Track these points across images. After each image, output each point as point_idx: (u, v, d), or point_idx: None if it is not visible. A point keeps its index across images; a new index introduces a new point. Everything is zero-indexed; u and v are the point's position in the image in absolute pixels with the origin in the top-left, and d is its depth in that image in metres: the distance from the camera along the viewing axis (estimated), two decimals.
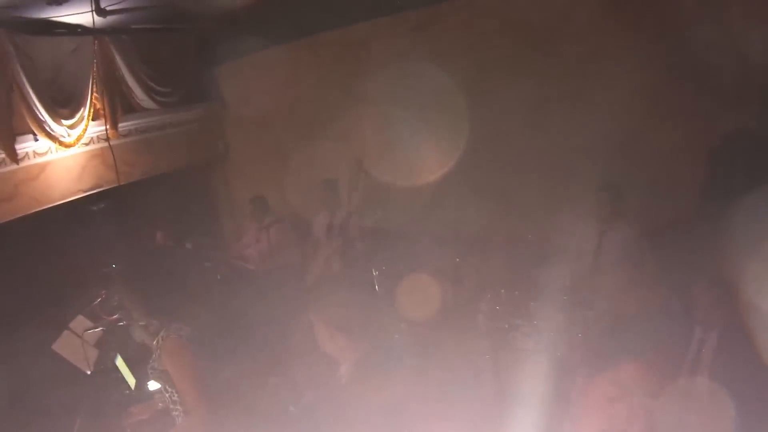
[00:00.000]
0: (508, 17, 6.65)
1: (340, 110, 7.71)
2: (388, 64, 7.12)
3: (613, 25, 5.92)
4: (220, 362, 4.26)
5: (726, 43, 5.15)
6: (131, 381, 4.44)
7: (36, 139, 6.46)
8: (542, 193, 6.46)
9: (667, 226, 5.55)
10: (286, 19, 7.50)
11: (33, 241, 6.48)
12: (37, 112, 6.27)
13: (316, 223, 7.08)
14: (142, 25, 7.42)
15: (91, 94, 7.00)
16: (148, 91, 7.78)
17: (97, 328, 4.82)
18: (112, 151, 7.39)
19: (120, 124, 7.47)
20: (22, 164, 6.41)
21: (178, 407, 3.65)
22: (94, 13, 6.17)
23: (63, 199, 6.92)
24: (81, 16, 6.29)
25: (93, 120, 7.05)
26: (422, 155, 7.15)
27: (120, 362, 4.54)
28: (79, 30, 6.75)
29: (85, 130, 6.93)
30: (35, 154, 6.55)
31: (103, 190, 7.41)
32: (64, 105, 6.65)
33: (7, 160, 6.23)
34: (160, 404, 3.81)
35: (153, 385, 3.79)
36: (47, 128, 6.40)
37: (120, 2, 6.07)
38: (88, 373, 4.77)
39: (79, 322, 4.91)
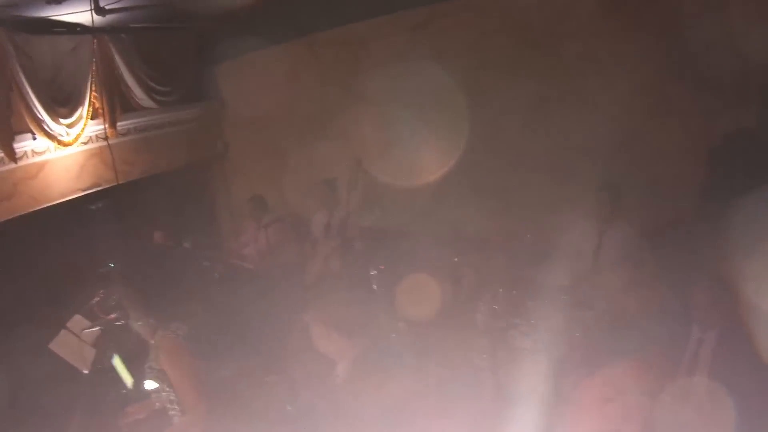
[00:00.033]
0: (508, 16, 6.63)
1: (339, 109, 7.71)
2: (388, 64, 7.12)
3: (612, 24, 5.91)
4: (217, 361, 4.26)
5: (726, 43, 5.15)
6: (128, 380, 4.43)
7: (34, 138, 6.46)
8: (541, 192, 6.45)
9: (667, 225, 5.54)
10: (285, 18, 7.49)
11: (31, 240, 6.48)
12: (36, 111, 6.27)
13: (314, 222, 7.07)
14: (141, 24, 7.41)
15: (90, 92, 7.00)
16: (147, 90, 7.77)
17: (94, 327, 4.81)
18: (111, 150, 7.40)
19: (119, 123, 7.47)
20: (21, 163, 6.41)
21: (176, 406, 3.65)
22: (93, 12, 6.18)
23: (61, 198, 6.92)
24: (80, 15, 6.29)
25: (92, 119, 7.06)
26: (421, 154, 7.14)
27: (117, 361, 4.53)
28: (78, 29, 6.75)
29: (84, 129, 6.93)
30: (34, 153, 6.54)
31: (101, 189, 7.41)
32: (62, 104, 6.65)
33: (6, 159, 6.23)
34: (157, 403, 3.81)
35: (150, 385, 3.79)
36: (46, 127, 6.40)
37: (119, 1, 6.08)
38: (86, 372, 4.76)
39: (77, 321, 4.90)
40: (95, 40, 6.99)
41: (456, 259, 5.86)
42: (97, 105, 7.13)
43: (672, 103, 5.75)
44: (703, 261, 4.33)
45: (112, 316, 4.69)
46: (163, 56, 8.01)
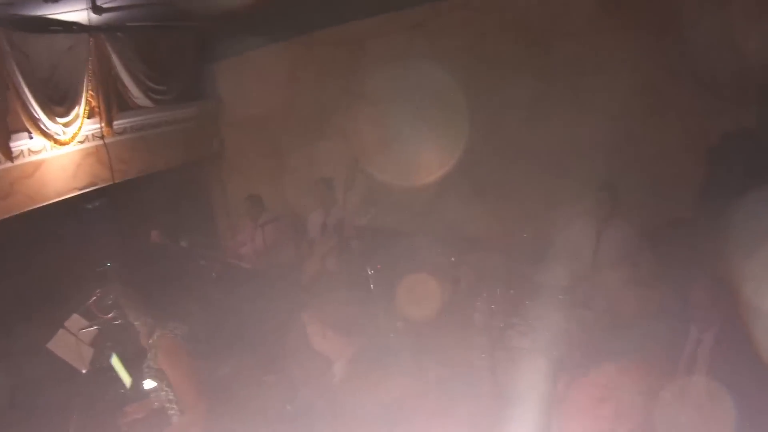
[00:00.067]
0: (507, 15, 6.63)
1: (337, 108, 7.71)
2: (386, 62, 7.11)
3: (612, 23, 5.91)
4: (215, 361, 4.25)
5: (726, 43, 5.14)
6: (127, 380, 4.42)
7: (31, 137, 6.43)
8: (540, 191, 6.45)
9: (666, 225, 5.55)
10: (284, 16, 7.47)
11: (28, 240, 6.45)
12: (32, 110, 6.25)
13: (311, 221, 7.07)
14: (138, 22, 7.39)
15: (87, 91, 6.98)
16: (144, 88, 7.75)
17: (92, 326, 4.81)
18: (107, 149, 7.38)
19: (115, 122, 7.44)
20: (17, 162, 6.38)
21: (174, 406, 3.64)
22: (90, 10, 6.16)
23: (58, 197, 6.89)
24: (77, 13, 6.28)
25: (88, 118, 7.04)
26: (419, 154, 7.13)
27: (115, 361, 4.52)
28: (75, 27, 6.72)
29: (81, 127, 6.91)
30: (30, 151, 6.52)
31: (98, 188, 7.38)
32: (59, 103, 6.63)
33: (2, 157, 6.21)
34: (155, 403, 3.80)
35: (149, 384, 3.78)
36: (42, 126, 6.38)
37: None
38: (84, 371, 4.75)
39: (75, 320, 4.90)
40: (92, 39, 6.97)
41: (454, 259, 5.86)
42: (94, 104, 7.11)
43: (671, 102, 5.76)
44: (702, 260, 4.33)
45: (110, 315, 4.70)
46: (160, 55, 7.99)
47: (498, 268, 5.69)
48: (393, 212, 7.10)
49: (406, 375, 3.32)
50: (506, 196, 6.72)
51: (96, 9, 6.16)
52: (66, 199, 7.00)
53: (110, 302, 4.71)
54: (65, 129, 6.70)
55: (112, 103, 7.39)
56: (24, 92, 6.15)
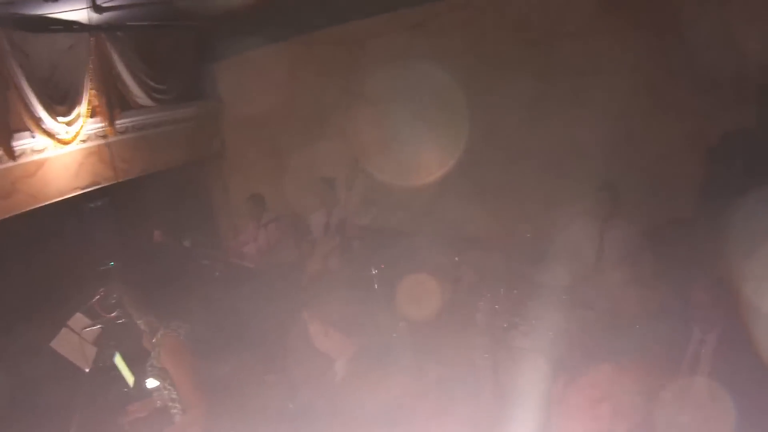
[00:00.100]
0: (507, 15, 6.64)
1: (337, 108, 7.72)
2: (386, 62, 7.12)
3: (612, 23, 5.91)
4: (218, 360, 4.26)
5: (726, 43, 5.15)
6: (130, 379, 4.43)
7: (33, 136, 6.45)
8: (541, 191, 6.46)
9: (667, 224, 5.55)
10: (284, 16, 7.48)
11: (30, 239, 6.47)
12: (34, 109, 6.26)
13: (313, 221, 7.08)
14: (138, 22, 7.40)
15: (88, 91, 6.99)
16: (145, 88, 7.77)
17: (95, 325, 4.81)
18: (110, 149, 7.39)
19: (117, 122, 7.47)
20: (20, 161, 6.41)
21: (177, 405, 3.65)
22: (90, 9, 6.17)
23: (60, 197, 6.91)
24: (77, 12, 6.29)
25: (90, 117, 7.06)
26: (420, 153, 7.14)
27: (119, 360, 4.53)
28: (76, 27, 6.73)
29: (82, 127, 6.92)
30: (32, 151, 6.54)
31: (100, 188, 7.41)
32: (60, 102, 6.65)
33: (5, 157, 6.22)
34: (158, 402, 3.80)
35: (151, 383, 3.79)
36: (44, 125, 6.40)
37: None
38: (86, 370, 4.76)
39: (78, 319, 4.89)
40: (92, 38, 6.98)
41: (456, 258, 5.86)
42: (96, 103, 7.12)
43: (671, 102, 5.76)
44: (702, 260, 4.34)
45: (113, 314, 4.70)
46: (161, 54, 8.01)
47: (500, 268, 5.70)
48: (393, 212, 7.11)
49: (407, 374, 3.34)
50: (507, 195, 6.72)
51: (96, 8, 6.18)
52: (68, 198, 7.02)
53: (113, 301, 4.71)
54: (67, 128, 6.72)
55: (114, 103, 7.41)
56: (25, 92, 6.17)
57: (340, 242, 6.51)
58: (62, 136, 6.67)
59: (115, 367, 4.56)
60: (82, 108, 6.92)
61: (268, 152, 8.58)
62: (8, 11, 5.82)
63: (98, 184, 7.37)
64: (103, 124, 7.27)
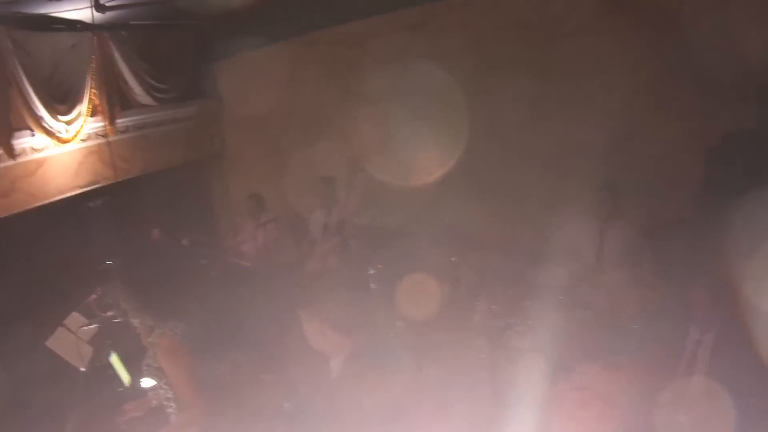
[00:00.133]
0: (507, 15, 6.64)
1: (337, 108, 7.71)
2: (387, 62, 7.12)
3: (612, 23, 5.91)
4: (215, 359, 4.24)
5: (725, 43, 5.14)
6: (126, 378, 4.42)
7: (33, 135, 6.44)
8: (540, 191, 6.46)
9: (667, 224, 5.54)
10: (285, 16, 7.48)
11: (29, 238, 6.46)
12: (35, 108, 6.26)
13: (312, 220, 7.07)
14: (140, 21, 7.41)
15: (89, 90, 6.99)
16: (146, 87, 7.77)
17: (92, 324, 4.80)
18: (110, 148, 7.39)
19: (117, 121, 7.46)
20: (19, 160, 6.40)
21: (173, 404, 3.63)
22: (93, 9, 6.17)
23: (60, 196, 6.90)
24: (80, 11, 6.29)
25: (90, 116, 7.05)
26: (420, 154, 7.13)
27: (115, 359, 4.52)
28: (78, 26, 6.74)
29: (83, 126, 6.92)
30: (32, 149, 6.53)
31: (99, 187, 7.39)
32: (61, 101, 6.65)
33: (4, 155, 6.22)
34: (154, 401, 3.79)
35: (147, 382, 3.77)
36: (44, 124, 6.40)
37: None
38: (83, 369, 4.75)
39: (75, 318, 4.88)
40: (95, 37, 6.99)
41: (454, 259, 5.85)
42: (96, 102, 7.12)
43: (672, 102, 5.76)
44: (702, 260, 4.33)
45: (110, 313, 4.69)
46: (162, 54, 8.01)
47: (499, 268, 5.69)
48: (393, 212, 7.11)
49: (405, 374, 3.32)
50: (507, 196, 6.72)
51: (99, 7, 6.18)
52: (68, 197, 7.01)
53: (110, 300, 4.70)
54: (67, 127, 6.71)
55: (115, 102, 7.42)
56: (26, 90, 6.16)
57: (339, 242, 6.50)
58: (62, 134, 6.66)
59: (111, 367, 4.55)
60: (83, 107, 6.91)
61: (268, 152, 8.58)
62: (11, 10, 5.83)
63: (98, 183, 7.36)
64: (103, 123, 7.26)
